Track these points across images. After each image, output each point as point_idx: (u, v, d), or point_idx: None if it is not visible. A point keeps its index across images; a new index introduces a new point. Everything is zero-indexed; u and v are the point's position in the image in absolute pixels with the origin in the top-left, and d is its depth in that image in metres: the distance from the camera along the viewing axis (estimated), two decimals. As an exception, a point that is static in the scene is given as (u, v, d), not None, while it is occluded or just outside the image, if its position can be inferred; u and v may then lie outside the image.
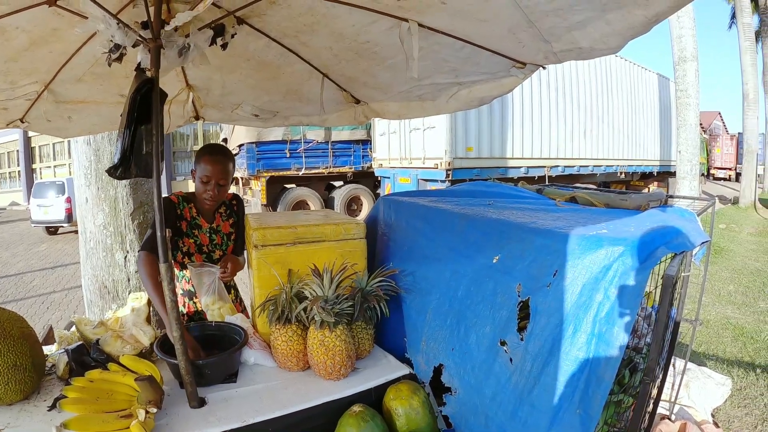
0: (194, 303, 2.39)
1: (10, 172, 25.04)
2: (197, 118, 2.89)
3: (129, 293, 3.59)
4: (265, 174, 11.82)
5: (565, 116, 10.90)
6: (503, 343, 1.51)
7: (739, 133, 26.37)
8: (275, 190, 12.16)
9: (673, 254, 1.41)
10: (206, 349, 1.90)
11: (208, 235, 2.36)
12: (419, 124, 9.84)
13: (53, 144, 22.31)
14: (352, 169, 12.67)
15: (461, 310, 1.70)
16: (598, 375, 1.28)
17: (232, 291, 2.50)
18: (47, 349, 1.98)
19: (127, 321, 1.94)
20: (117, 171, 1.48)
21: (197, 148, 20.46)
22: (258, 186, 11.95)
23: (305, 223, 1.98)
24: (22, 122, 2.44)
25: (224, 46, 1.66)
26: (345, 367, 1.70)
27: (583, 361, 1.31)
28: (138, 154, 1.49)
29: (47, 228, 14.44)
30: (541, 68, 1.93)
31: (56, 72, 2.02)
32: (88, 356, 1.77)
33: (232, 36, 1.72)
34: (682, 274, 1.82)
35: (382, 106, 2.59)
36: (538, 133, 10.46)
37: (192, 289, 2.36)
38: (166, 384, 1.66)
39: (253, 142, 11.60)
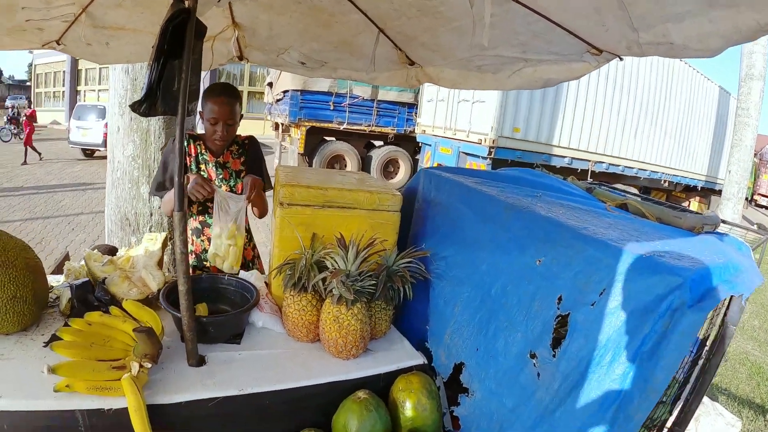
0: (201, 241, 2.36)
1: (54, 92, 25.88)
2: (241, 58, 2.76)
3: (149, 229, 3.56)
4: (306, 123, 11.69)
5: (618, 112, 10.39)
6: (533, 356, 1.37)
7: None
8: (314, 141, 12.03)
9: (730, 296, 1.24)
10: (215, 303, 1.83)
11: (214, 169, 2.30)
12: (469, 96, 9.52)
13: (99, 68, 22.54)
14: (394, 131, 12.43)
15: (493, 309, 1.56)
16: (627, 413, 1.14)
17: (246, 234, 2.42)
18: (57, 279, 1.93)
19: (138, 262, 1.86)
20: (141, 106, 1.36)
21: (242, 89, 20.51)
22: (297, 134, 11.84)
23: (338, 185, 1.84)
24: (58, 44, 2.36)
25: (275, -19, 1.50)
26: (357, 347, 1.59)
27: (615, 395, 1.17)
28: (167, 90, 1.36)
29: (84, 150, 14.75)
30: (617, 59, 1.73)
31: (94, -6, 1.90)
32: (92, 294, 1.70)
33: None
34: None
35: (438, 71, 2.40)
36: (588, 124, 10.00)
37: (199, 227, 2.34)
38: (167, 335, 1.57)
39: (298, 90, 11.44)
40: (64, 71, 23.88)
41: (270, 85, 14.17)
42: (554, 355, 1.31)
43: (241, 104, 2.29)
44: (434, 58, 2.26)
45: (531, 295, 1.44)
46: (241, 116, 2.33)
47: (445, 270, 1.80)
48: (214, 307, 1.81)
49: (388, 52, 2.32)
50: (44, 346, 1.43)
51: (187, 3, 1.33)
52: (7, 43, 2.24)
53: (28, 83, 35.37)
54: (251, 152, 2.43)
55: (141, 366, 1.31)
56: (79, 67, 23.45)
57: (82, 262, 1.86)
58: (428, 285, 1.85)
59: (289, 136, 12.67)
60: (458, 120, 10.03)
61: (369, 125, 12.17)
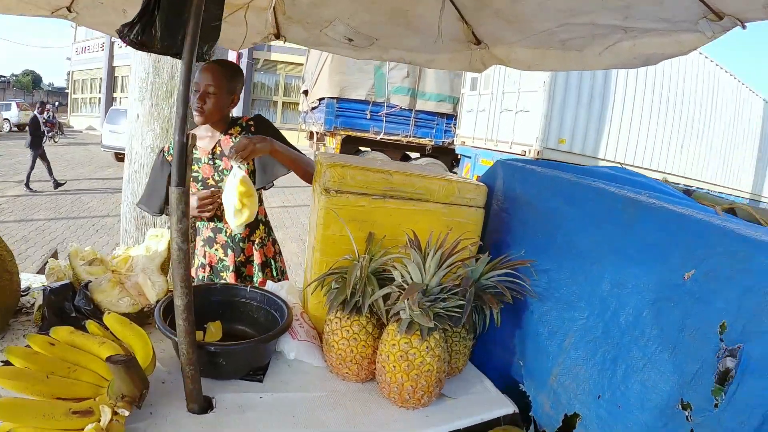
0: (215, 251, 2.01)
1: (90, 98, 26.69)
2: (278, 36, 2.44)
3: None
4: (342, 132, 11.36)
5: (664, 125, 9.84)
6: (686, 406, 0.97)
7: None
8: (349, 151, 11.56)
9: None
10: (232, 322, 1.40)
11: (211, 164, 1.94)
12: (512, 105, 9.16)
13: (136, 74, 23.10)
14: (432, 142, 11.93)
15: (622, 344, 1.12)
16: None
17: (261, 227, 2.05)
18: (41, 280, 1.52)
19: (137, 264, 1.43)
20: (133, 30, 0.96)
21: (277, 99, 20.27)
22: (332, 144, 11.49)
23: (405, 171, 1.40)
24: (70, 11, 2.10)
25: None
26: (429, 394, 1.13)
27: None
28: (173, 17, 0.97)
29: (116, 154, 14.71)
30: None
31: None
32: (71, 302, 1.27)
33: None
34: None
35: (509, 51, 2.03)
36: (635, 136, 9.48)
37: (212, 235, 2.00)
38: (165, 365, 1.15)
39: (334, 98, 11.11)
40: (100, 78, 24.38)
41: (305, 93, 13.89)
42: (717, 404, 0.92)
43: (236, 79, 1.92)
44: (507, 33, 1.89)
45: (678, 322, 1.02)
46: (237, 98, 1.96)
47: (547, 288, 1.33)
48: (231, 328, 1.40)
49: (451, 25, 1.97)
50: (2, 365, 1.04)
51: None
52: (12, 7, 1.98)
53: (66, 90, 36.30)
54: (260, 129, 1.99)
55: (115, 413, 0.90)
56: (116, 75, 23.90)
57: (67, 262, 1.44)
58: (519, 307, 1.37)
59: (324, 145, 12.28)
60: (500, 131, 9.60)
61: (406, 136, 11.69)
